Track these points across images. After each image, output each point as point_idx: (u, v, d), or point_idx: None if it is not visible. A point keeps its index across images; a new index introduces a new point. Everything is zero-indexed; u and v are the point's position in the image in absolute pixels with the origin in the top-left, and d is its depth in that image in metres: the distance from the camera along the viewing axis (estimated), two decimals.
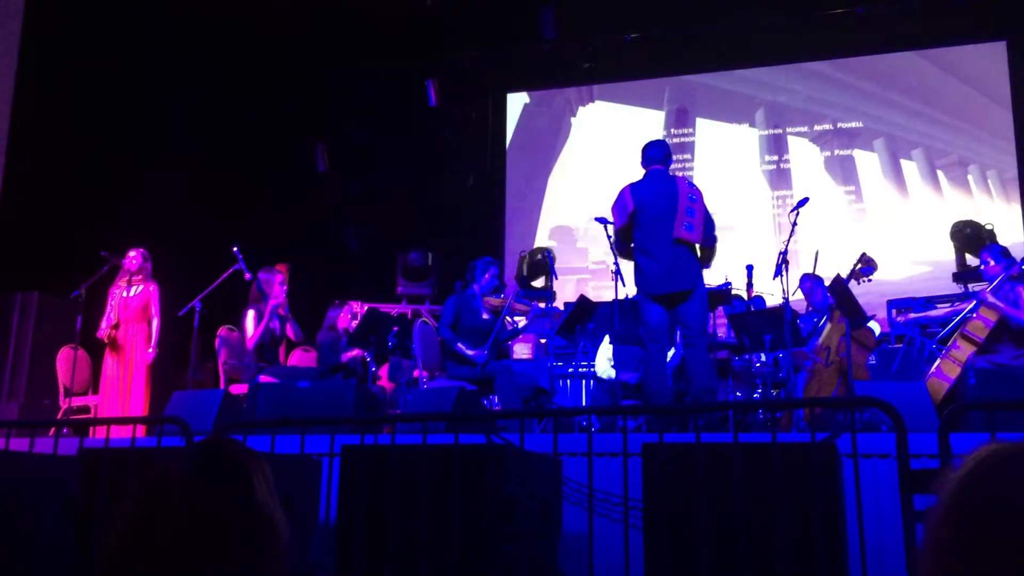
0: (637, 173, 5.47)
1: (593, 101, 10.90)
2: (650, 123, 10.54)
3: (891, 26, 9.13)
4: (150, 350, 6.66)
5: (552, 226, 10.73)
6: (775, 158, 10.14)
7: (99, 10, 8.33)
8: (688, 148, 10.39)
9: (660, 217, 5.19)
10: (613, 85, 10.75)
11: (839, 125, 10.00)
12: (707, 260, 5.44)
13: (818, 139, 10.06)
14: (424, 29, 9.50)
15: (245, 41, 9.34)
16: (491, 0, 9.33)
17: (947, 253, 8.41)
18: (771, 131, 10.21)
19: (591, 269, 10.20)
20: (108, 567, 1.14)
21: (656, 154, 5.44)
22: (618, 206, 5.36)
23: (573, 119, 10.94)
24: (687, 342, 5.21)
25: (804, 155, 10.06)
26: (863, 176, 9.85)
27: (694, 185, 5.38)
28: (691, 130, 10.44)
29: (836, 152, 9.98)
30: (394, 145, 10.14)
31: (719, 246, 5.42)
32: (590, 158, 10.63)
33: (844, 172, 9.90)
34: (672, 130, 10.49)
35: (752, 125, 10.29)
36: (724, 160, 10.20)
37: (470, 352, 5.91)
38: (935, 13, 9.03)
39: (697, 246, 5.24)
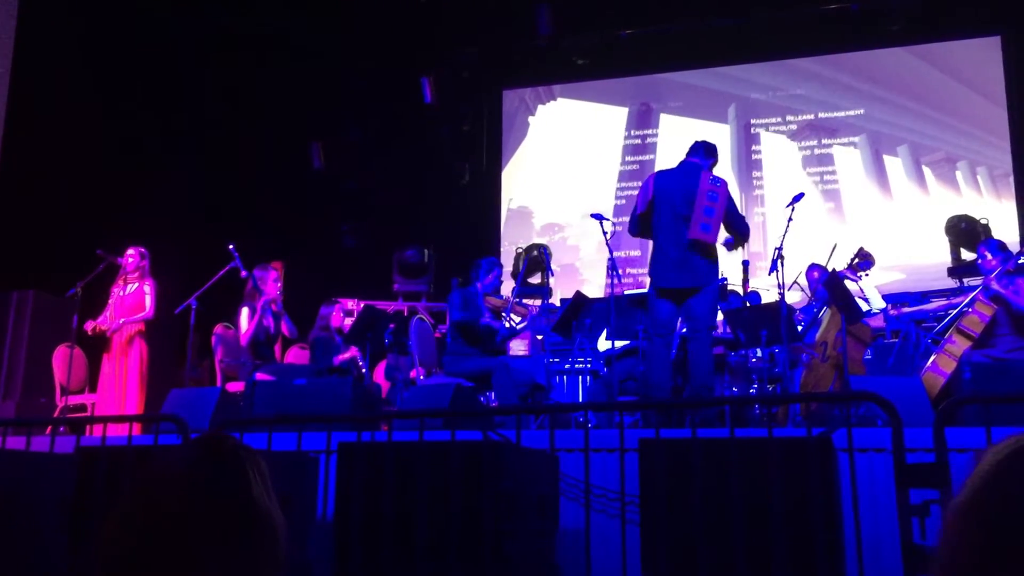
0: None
1: (555, 99, 10.76)
2: (614, 120, 10.36)
3: (883, 21, 9.09)
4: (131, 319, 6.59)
5: (520, 224, 10.60)
6: (748, 155, 9.93)
7: (97, 8, 8.31)
8: (651, 148, 10.14)
9: (677, 214, 5.15)
10: (576, 84, 10.61)
11: (820, 116, 9.80)
12: (737, 246, 5.46)
13: (796, 135, 9.83)
14: (419, 26, 9.49)
15: (241, 39, 9.32)
16: None
17: (933, 250, 8.35)
18: (744, 127, 10.00)
19: (556, 272, 9.92)
20: (104, 564, 1.14)
21: (698, 148, 5.44)
22: (640, 192, 5.37)
23: (531, 118, 10.79)
24: (692, 335, 5.20)
25: (781, 152, 9.84)
26: (845, 172, 9.62)
27: (718, 180, 5.22)
28: (655, 131, 10.24)
29: (815, 148, 9.77)
30: (390, 142, 10.13)
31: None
32: (550, 155, 10.55)
33: (823, 169, 9.70)
34: (634, 131, 10.30)
35: (724, 121, 10.05)
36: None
37: (496, 324, 5.98)
38: (930, 7, 8.99)
39: (720, 240, 5.25)
